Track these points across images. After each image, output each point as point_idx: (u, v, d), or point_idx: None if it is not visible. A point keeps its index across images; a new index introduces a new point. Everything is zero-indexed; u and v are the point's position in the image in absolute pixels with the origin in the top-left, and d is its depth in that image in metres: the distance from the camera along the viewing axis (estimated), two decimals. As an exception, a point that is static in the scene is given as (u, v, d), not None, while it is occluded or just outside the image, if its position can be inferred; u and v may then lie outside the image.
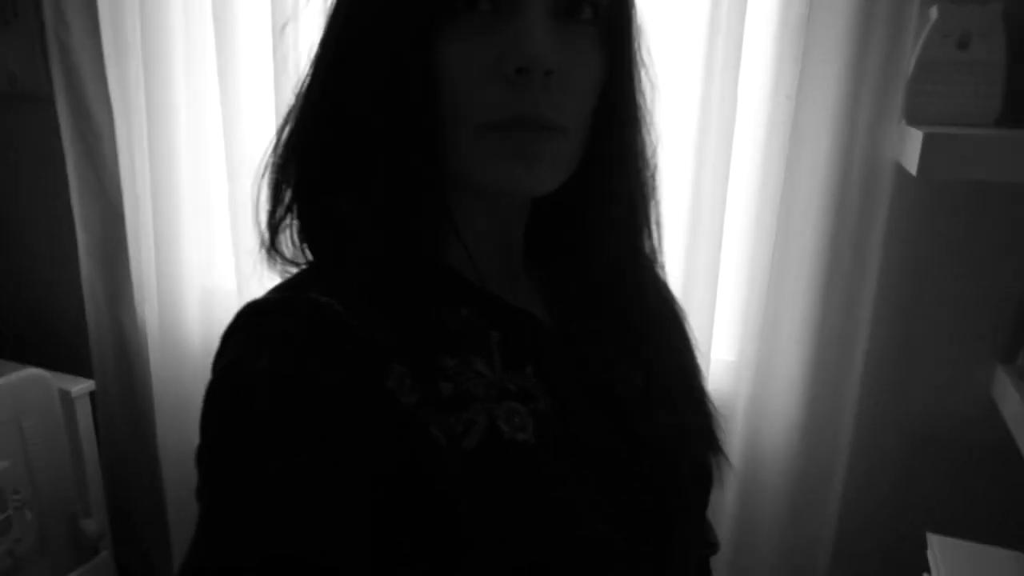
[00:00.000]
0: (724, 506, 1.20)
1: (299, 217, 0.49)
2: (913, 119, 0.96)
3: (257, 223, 0.50)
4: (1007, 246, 1.08)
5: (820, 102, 1.03)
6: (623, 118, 0.48)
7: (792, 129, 1.05)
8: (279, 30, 1.23)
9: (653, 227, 0.54)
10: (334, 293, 0.44)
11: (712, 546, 0.63)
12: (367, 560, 0.37)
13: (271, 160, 0.49)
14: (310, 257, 0.50)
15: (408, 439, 0.42)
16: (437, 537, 0.41)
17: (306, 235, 0.49)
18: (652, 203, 0.54)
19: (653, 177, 0.53)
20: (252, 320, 0.44)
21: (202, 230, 1.50)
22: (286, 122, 0.48)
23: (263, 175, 0.49)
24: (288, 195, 0.48)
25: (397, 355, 0.43)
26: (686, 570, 0.54)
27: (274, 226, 0.49)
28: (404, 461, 0.41)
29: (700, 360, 0.60)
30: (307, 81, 0.48)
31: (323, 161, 0.48)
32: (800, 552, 1.19)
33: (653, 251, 0.56)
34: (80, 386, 1.62)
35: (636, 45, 0.48)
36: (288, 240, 0.50)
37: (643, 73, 0.49)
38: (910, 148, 0.90)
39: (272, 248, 0.50)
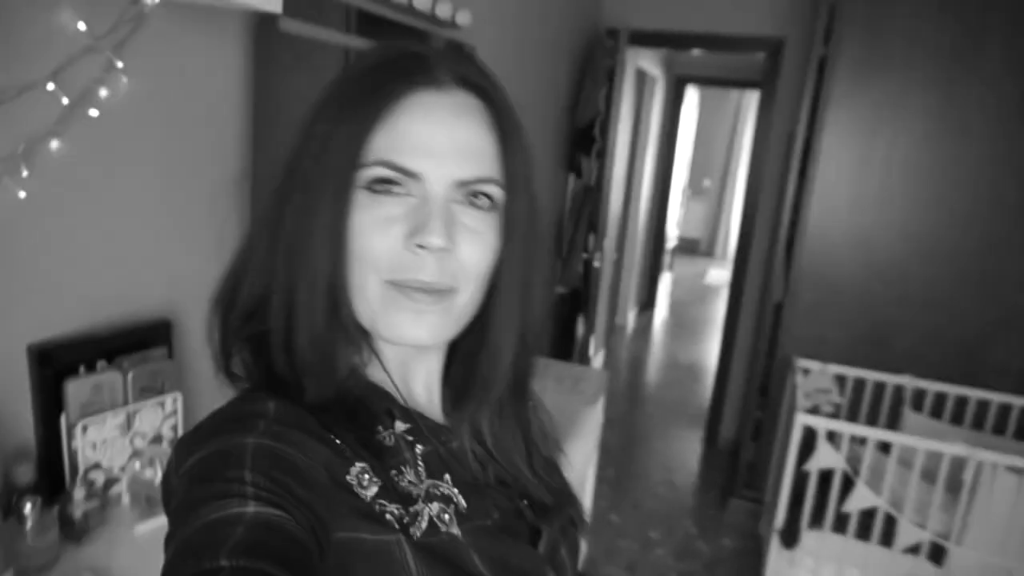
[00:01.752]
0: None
1: (245, 341, 0.55)
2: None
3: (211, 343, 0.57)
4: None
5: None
6: (507, 282, 0.57)
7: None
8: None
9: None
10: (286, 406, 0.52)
11: None
12: None
13: (220, 285, 0.57)
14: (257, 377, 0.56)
15: (370, 522, 0.49)
16: None
17: (251, 359, 0.56)
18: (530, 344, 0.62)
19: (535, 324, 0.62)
20: (229, 414, 0.51)
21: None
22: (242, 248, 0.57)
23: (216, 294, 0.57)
24: (233, 322, 0.56)
25: (356, 456, 0.51)
26: None
27: (226, 350, 0.56)
28: (364, 541, 0.48)
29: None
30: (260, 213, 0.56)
31: (258, 296, 0.55)
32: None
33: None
34: None
35: (524, 227, 0.57)
36: (239, 361, 0.56)
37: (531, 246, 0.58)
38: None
39: (227, 369, 0.56)
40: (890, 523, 2.28)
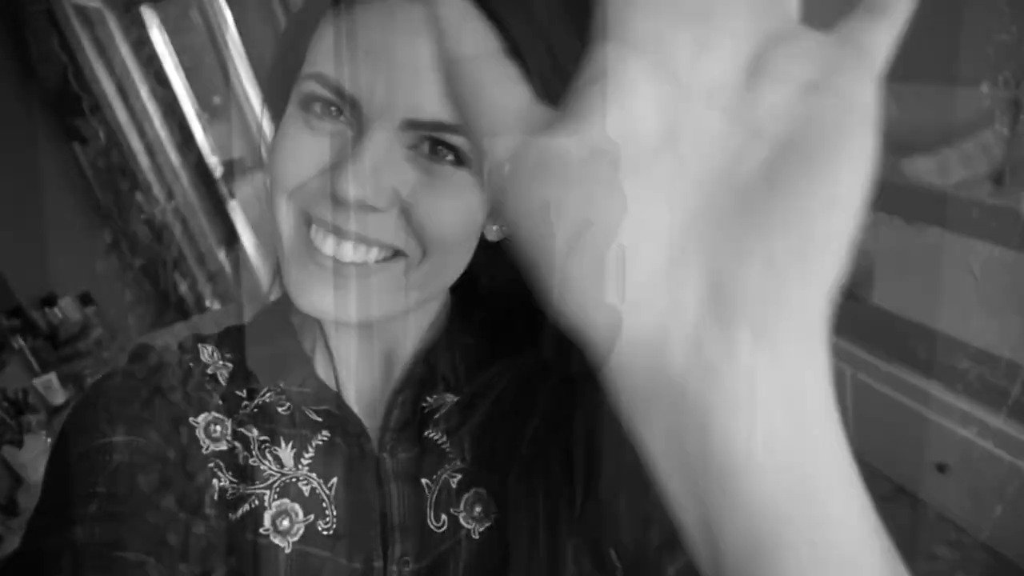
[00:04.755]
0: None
1: None
2: None
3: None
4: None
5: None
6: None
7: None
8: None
9: None
10: (222, 339, 0.51)
11: None
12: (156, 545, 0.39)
13: None
14: None
15: (194, 474, 0.44)
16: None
17: None
18: None
19: None
20: (139, 350, 0.49)
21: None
22: None
23: None
24: None
25: (220, 406, 0.47)
26: None
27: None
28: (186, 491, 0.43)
29: None
30: None
31: None
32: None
33: None
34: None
35: None
36: None
37: None
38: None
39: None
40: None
